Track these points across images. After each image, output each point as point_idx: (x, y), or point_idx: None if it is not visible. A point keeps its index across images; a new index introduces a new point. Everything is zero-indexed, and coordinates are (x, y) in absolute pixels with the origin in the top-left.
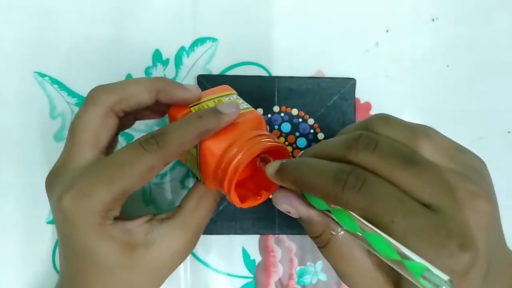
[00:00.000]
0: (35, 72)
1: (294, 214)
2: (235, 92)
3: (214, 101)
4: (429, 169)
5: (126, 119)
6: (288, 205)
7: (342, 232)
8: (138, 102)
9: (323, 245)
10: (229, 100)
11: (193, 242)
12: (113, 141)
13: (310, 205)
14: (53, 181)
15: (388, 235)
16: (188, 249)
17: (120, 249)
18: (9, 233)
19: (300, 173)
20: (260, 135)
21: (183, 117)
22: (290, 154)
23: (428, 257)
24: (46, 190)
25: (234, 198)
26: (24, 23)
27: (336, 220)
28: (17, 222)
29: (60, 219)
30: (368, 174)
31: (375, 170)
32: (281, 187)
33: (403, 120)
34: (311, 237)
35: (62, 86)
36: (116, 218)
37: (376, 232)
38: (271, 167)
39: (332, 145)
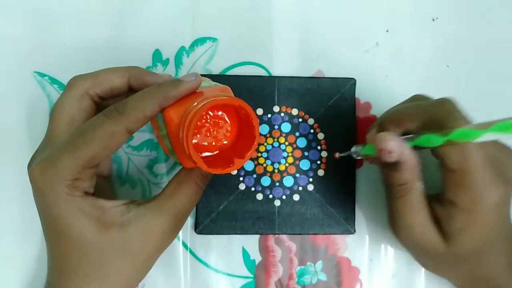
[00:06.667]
0: (35, 72)
1: (393, 155)
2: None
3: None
4: None
5: (106, 107)
6: (396, 143)
7: (422, 186)
8: (111, 86)
9: (403, 194)
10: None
11: (171, 227)
12: None
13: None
14: (32, 161)
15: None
16: (166, 234)
17: (92, 225)
18: (9, 232)
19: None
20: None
21: (146, 88)
22: (253, 111)
23: (486, 181)
24: (28, 172)
25: (195, 157)
26: (24, 23)
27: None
28: (16, 222)
29: (34, 192)
30: None
31: None
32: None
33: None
34: (396, 186)
35: (62, 86)
36: (89, 194)
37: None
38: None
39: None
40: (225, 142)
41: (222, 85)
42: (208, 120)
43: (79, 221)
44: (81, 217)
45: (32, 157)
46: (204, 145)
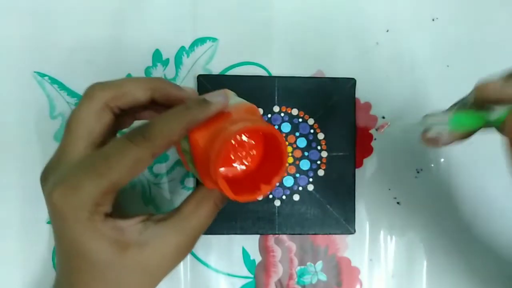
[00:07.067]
0: (35, 72)
1: None
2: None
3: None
4: None
5: (124, 118)
6: None
7: None
8: (133, 99)
9: None
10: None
11: (187, 246)
12: (110, 138)
13: None
14: (46, 176)
15: None
16: (181, 252)
17: (111, 247)
18: (9, 233)
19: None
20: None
21: (171, 109)
22: (283, 137)
23: None
24: (41, 185)
25: (223, 186)
26: (24, 23)
27: None
28: (17, 222)
29: (52, 214)
30: None
31: None
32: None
33: None
34: None
35: (61, 86)
36: (108, 215)
37: None
38: None
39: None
40: (250, 161)
41: (248, 103)
42: (232, 141)
43: (98, 244)
44: (100, 240)
45: (45, 169)
46: (228, 164)
